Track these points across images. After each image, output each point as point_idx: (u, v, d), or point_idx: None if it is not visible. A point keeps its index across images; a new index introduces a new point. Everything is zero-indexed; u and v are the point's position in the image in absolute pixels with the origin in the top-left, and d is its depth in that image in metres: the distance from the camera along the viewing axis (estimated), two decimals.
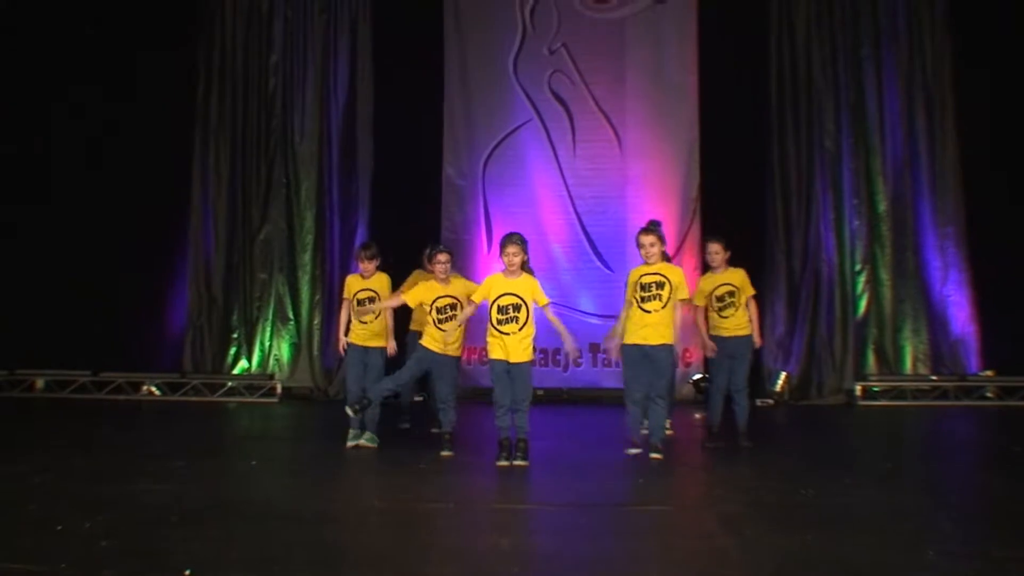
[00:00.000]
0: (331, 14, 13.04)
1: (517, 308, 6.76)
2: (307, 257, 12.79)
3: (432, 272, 7.59)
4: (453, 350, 7.37)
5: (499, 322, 6.79)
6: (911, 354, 11.88)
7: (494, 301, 6.82)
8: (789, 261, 12.06)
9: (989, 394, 11.46)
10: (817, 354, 11.87)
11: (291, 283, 12.80)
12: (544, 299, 6.92)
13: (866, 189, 12.06)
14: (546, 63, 12.77)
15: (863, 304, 11.96)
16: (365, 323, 7.73)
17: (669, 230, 12.13)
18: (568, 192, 12.58)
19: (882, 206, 12.02)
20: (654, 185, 12.42)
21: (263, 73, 13.11)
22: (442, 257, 7.40)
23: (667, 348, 7.08)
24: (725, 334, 7.71)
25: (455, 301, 7.30)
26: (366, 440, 7.58)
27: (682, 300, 7.14)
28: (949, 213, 11.85)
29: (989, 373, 11.55)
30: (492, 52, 12.89)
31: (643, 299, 7.07)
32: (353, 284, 7.86)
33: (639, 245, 7.20)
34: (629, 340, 7.13)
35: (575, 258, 12.45)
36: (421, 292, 7.43)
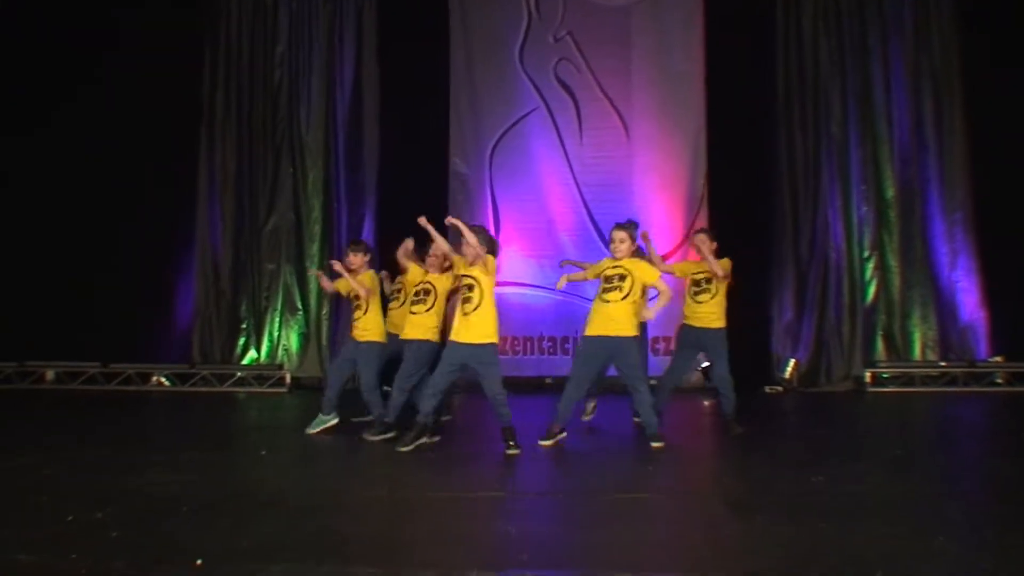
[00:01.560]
0: (336, 4, 13.04)
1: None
2: (315, 247, 12.81)
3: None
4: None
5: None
6: (920, 340, 11.86)
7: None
8: (797, 248, 12.03)
9: (998, 380, 11.44)
10: (826, 341, 11.85)
11: (299, 273, 12.81)
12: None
13: (874, 175, 12.03)
14: (552, 51, 12.74)
15: (872, 291, 11.94)
16: (356, 319, 7.82)
17: (676, 218, 12.18)
18: (575, 180, 12.56)
19: (890, 192, 11.99)
20: (661, 173, 12.39)
21: (269, 64, 13.11)
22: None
23: (630, 340, 7.13)
24: (697, 324, 7.79)
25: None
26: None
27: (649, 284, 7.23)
28: (957, 199, 11.82)
29: (998, 359, 11.53)
30: (498, 41, 12.86)
31: (605, 290, 7.18)
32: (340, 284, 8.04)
33: (610, 239, 7.38)
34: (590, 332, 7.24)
35: (582, 246, 12.40)
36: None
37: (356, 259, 7.89)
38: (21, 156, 12.81)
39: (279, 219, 12.90)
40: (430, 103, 12.74)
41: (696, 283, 7.81)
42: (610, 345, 7.07)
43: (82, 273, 12.45)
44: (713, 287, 7.72)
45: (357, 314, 7.89)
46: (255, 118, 13.07)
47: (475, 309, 6.81)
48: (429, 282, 7.57)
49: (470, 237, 6.90)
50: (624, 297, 7.07)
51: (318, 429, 7.84)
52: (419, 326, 7.47)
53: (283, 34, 13.08)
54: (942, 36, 11.98)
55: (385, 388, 7.92)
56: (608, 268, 7.27)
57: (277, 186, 12.95)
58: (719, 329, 7.70)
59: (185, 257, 13.06)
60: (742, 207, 11.77)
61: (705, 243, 7.84)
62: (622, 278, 7.12)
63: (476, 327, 6.82)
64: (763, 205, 12.12)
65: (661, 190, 12.35)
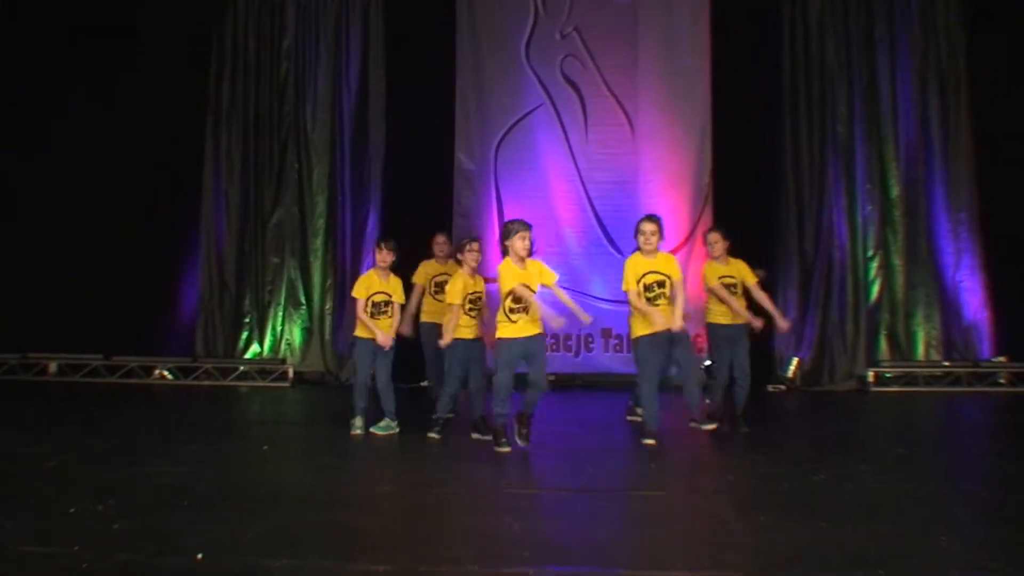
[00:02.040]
0: None
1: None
2: (319, 242, 12.79)
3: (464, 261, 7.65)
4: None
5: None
6: (923, 340, 11.83)
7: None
8: (801, 246, 12.00)
9: (1002, 380, 11.41)
10: (829, 340, 11.82)
11: (303, 268, 12.79)
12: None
13: (879, 174, 11.99)
14: (558, 47, 12.70)
15: (875, 290, 11.91)
16: (377, 320, 7.82)
17: (681, 215, 12.15)
18: (580, 177, 12.53)
19: (895, 191, 11.96)
20: (666, 170, 12.37)
21: (275, 58, 13.07)
22: (475, 246, 7.64)
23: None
24: (723, 320, 7.83)
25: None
26: (381, 428, 7.63)
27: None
28: (962, 198, 11.78)
29: (1002, 359, 11.50)
30: (504, 36, 12.82)
31: (649, 298, 7.15)
32: (373, 283, 7.90)
33: (639, 231, 7.28)
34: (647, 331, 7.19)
35: (586, 243, 12.40)
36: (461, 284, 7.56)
37: (390, 256, 7.89)
38: (25, 150, 12.81)
39: (284, 213, 12.88)
40: (436, 98, 12.71)
41: (724, 288, 7.81)
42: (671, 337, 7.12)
43: (86, 265, 12.45)
44: (739, 289, 7.80)
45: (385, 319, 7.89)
46: (261, 112, 13.04)
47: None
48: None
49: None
50: (671, 302, 7.14)
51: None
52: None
53: (290, 28, 13.04)
54: (949, 34, 11.93)
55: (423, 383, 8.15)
56: (647, 274, 7.19)
57: (282, 180, 12.93)
58: (745, 324, 7.77)
59: (189, 250, 13.04)
60: (747, 204, 11.74)
61: (719, 242, 7.87)
62: (661, 284, 7.15)
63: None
64: (768, 203, 12.10)
65: (666, 187, 12.32)
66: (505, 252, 7.02)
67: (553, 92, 12.63)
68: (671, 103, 12.41)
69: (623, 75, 12.53)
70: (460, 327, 7.41)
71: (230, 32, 13.09)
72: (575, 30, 12.61)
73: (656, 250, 7.21)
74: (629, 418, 8.43)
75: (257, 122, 13.00)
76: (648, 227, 7.21)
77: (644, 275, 7.16)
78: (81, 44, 12.74)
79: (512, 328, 6.86)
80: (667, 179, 12.34)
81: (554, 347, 11.98)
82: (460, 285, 7.43)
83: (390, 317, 7.85)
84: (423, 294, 8.65)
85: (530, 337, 6.95)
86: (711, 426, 7.34)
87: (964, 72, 11.84)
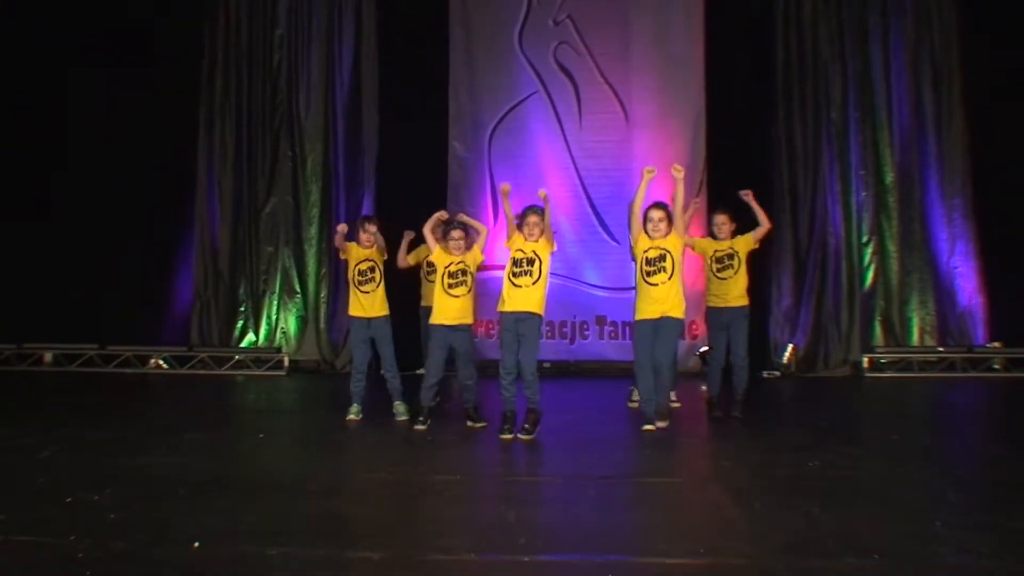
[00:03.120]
0: None
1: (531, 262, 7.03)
2: (313, 230, 12.79)
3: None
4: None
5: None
6: (918, 326, 11.87)
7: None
8: (796, 233, 12.02)
9: (996, 366, 11.46)
10: (824, 326, 11.85)
11: (297, 257, 12.80)
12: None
13: (873, 161, 12.01)
14: (551, 35, 12.70)
15: (870, 276, 11.93)
16: (366, 292, 7.80)
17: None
18: (574, 164, 12.54)
19: (889, 177, 11.98)
20: (660, 157, 12.28)
21: (268, 47, 13.06)
22: (455, 234, 7.48)
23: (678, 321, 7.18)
24: (721, 304, 7.77)
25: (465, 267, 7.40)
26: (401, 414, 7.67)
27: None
28: (956, 184, 11.81)
29: (996, 345, 11.55)
30: (497, 24, 12.81)
31: (648, 273, 7.10)
32: (352, 251, 7.98)
33: (647, 219, 7.20)
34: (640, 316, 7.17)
35: (581, 230, 12.42)
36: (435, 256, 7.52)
37: (373, 239, 7.94)
38: (18, 141, 12.77)
39: (278, 202, 12.88)
40: (429, 86, 12.70)
41: (719, 260, 7.80)
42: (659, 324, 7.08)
43: (81, 255, 12.45)
44: (736, 262, 7.73)
45: (371, 287, 7.89)
46: (254, 101, 13.03)
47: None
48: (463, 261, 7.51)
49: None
50: (670, 278, 7.06)
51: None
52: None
53: (282, 17, 13.02)
54: (942, 19, 11.95)
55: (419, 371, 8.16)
56: (649, 249, 7.16)
57: (276, 169, 12.92)
58: (743, 307, 7.71)
59: (184, 240, 13.05)
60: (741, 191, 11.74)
61: (726, 224, 7.89)
62: (662, 259, 7.08)
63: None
64: (762, 189, 12.04)
65: (661, 174, 12.25)
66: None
67: (547, 79, 12.65)
68: (665, 91, 12.43)
69: (617, 62, 12.56)
70: (437, 312, 7.38)
71: (223, 20, 13.10)
72: (568, 17, 12.62)
73: (664, 237, 7.16)
74: (630, 404, 8.45)
75: (250, 112, 13.01)
76: (656, 214, 7.16)
77: (647, 250, 7.14)
78: (74, 36, 12.73)
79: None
80: (661, 166, 12.28)
81: (549, 335, 12.00)
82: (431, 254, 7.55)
83: (377, 285, 7.87)
84: (408, 250, 8.54)
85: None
86: (656, 425, 7.10)
87: (957, 60, 11.88)
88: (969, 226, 11.73)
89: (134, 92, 12.57)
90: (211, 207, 12.98)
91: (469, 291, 7.38)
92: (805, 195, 12.03)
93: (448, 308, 7.31)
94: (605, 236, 12.33)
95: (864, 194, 11.98)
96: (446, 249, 7.44)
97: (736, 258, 7.75)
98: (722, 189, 11.80)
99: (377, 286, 7.89)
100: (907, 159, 11.95)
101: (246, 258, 12.90)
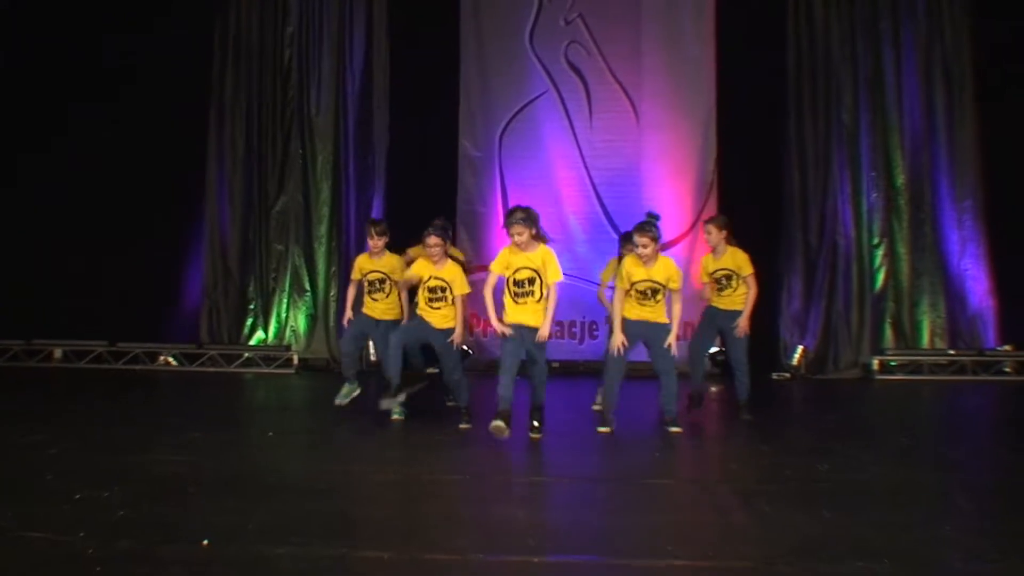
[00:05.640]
0: None
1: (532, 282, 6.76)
2: (323, 229, 12.78)
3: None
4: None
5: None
6: (928, 328, 11.82)
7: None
8: (806, 235, 11.98)
9: (1007, 369, 11.42)
10: (834, 328, 11.82)
11: (307, 255, 12.79)
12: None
13: (884, 162, 11.96)
14: (562, 34, 12.68)
15: (880, 278, 11.89)
16: (376, 299, 7.79)
17: (685, 203, 12.15)
18: (584, 164, 12.53)
19: (900, 179, 11.93)
20: (671, 157, 12.36)
21: (279, 45, 13.04)
22: (431, 241, 7.29)
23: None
24: (720, 307, 7.84)
25: (443, 284, 7.33)
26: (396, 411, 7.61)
27: (675, 290, 7.06)
28: (967, 187, 11.75)
29: (1007, 348, 11.50)
30: (508, 23, 12.79)
31: (640, 300, 7.10)
32: (364, 264, 7.91)
33: (633, 243, 7.05)
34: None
35: (590, 229, 12.41)
36: (418, 268, 7.45)
37: (380, 242, 7.83)
38: (29, 139, 12.81)
39: (288, 200, 12.88)
40: (440, 85, 12.70)
41: (717, 281, 7.80)
42: (646, 329, 7.09)
43: (90, 252, 12.45)
44: (734, 283, 7.72)
45: (380, 296, 7.85)
46: (264, 99, 13.02)
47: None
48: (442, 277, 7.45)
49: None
50: (657, 303, 7.08)
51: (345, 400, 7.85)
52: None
53: (293, 14, 13.00)
54: (954, 22, 11.89)
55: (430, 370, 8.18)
56: (639, 278, 7.06)
57: (286, 167, 12.92)
58: (740, 310, 7.71)
59: (193, 237, 13.05)
60: (751, 193, 11.75)
61: (713, 233, 7.80)
62: (655, 292, 7.06)
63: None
64: (773, 191, 12.07)
65: (671, 175, 12.32)
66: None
67: (557, 79, 12.64)
68: (676, 91, 12.41)
69: (628, 62, 12.54)
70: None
71: (233, 18, 13.07)
72: (579, 17, 12.61)
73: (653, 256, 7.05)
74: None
75: (261, 109, 12.99)
76: (640, 239, 6.99)
77: (636, 282, 7.09)
78: (81, 31, 12.72)
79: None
80: (671, 167, 12.35)
81: (559, 335, 11.97)
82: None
83: (387, 296, 7.82)
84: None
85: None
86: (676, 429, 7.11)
87: (969, 62, 11.81)
88: (980, 228, 11.68)
89: (144, 89, 12.58)
90: (221, 204, 12.98)
91: (451, 304, 7.34)
92: (816, 197, 11.99)
93: (430, 317, 7.33)
94: (615, 236, 12.27)
95: (875, 196, 11.93)
96: (427, 258, 7.38)
97: (735, 277, 7.75)
98: (732, 190, 11.86)
99: (387, 296, 7.84)
100: (918, 161, 11.91)
101: (256, 256, 12.89)
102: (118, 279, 12.35)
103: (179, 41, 12.69)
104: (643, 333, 7.12)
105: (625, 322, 7.13)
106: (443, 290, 7.29)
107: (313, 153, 12.83)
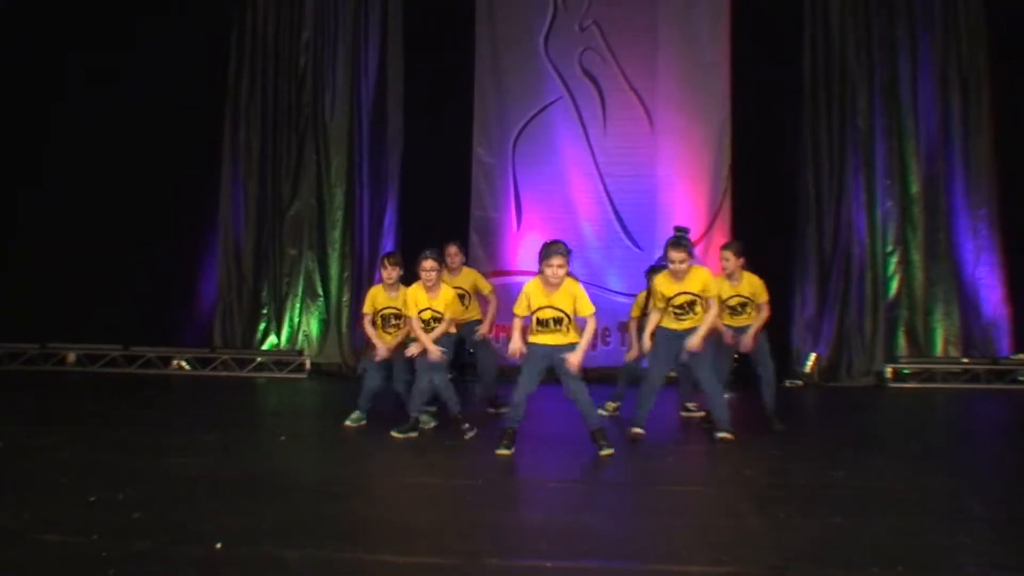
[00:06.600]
0: None
1: (559, 321, 6.58)
2: (337, 234, 12.79)
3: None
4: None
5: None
6: (942, 336, 11.77)
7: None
8: (820, 242, 11.95)
9: (1021, 377, 11.35)
10: (847, 335, 11.77)
11: (320, 260, 12.79)
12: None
13: (899, 170, 11.92)
14: (577, 40, 12.69)
15: (894, 286, 11.85)
16: (390, 334, 7.70)
17: (700, 209, 12.13)
18: (598, 170, 12.52)
19: (915, 187, 11.89)
20: (685, 164, 12.35)
21: (294, 50, 13.07)
22: (427, 264, 7.21)
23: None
24: (735, 324, 7.73)
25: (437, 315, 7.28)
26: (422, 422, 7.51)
27: (711, 298, 7.04)
28: (982, 195, 11.71)
29: (1021, 356, 11.44)
30: (523, 29, 12.80)
31: (678, 315, 7.07)
32: (377, 298, 7.76)
33: (669, 259, 6.99)
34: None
35: (604, 236, 12.40)
36: (412, 305, 7.31)
37: (394, 272, 7.69)
38: (46, 141, 12.88)
39: (302, 205, 12.89)
40: (454, 91, 12.72)
41: (731, 308, 7.69)
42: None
43: (105, 256, 12.48)
44: (749, 309, 7.68)
45: (394, 331, 7.70)
46: (280, 104, 13.05)
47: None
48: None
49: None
50: (695, 315, 7.04)
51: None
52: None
53: (309, 20, 13.03)
54: (970, 30, 11.85)
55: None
56: (674, 292, 7.03)
57: (300, 172, 12.93)
58: (745, 327, 7.68)
59: (207, 242, 13.08)
60: (765, 199, 11.73)
61: (731, 260, 7.66)
62: (692, 305, 7.03)
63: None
64: (787, 198, 12.04)
65: (685, 182, 12.30)
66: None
67: (572, 85, 12.64)
68: (690, 98, 12.39)
69: (642, 69, 12.54)
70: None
71: (249, 23, 13.10)
72: (594, 23, 12.61)
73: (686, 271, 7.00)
74: (683, 414, 8.57)
75: (276, 114, 13.02)
76: (676, 255, 6.95)
77: (673, 296, 7.05)
78: (99, 33, 12.76)
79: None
80: (685, 174, 12.33)
81: None
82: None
83: (400, 330, 7.65)
84: None
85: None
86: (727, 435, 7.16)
87: (986, 70, 11.77)
88: (995, 237, 11.63)
89: (159, 93, 12.63)
90: (235, 209, 13.00)
91: (442, 322, 7.26)
92: (830, 204, 11.96)
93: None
94: (628, 243, 12.31)
95: (889, 203, 11.89)
96: (421, 287, 7.26)
97: (750, 305, 7.69)
98: (746, 197, 11.84)
99: (400, 330, 7.68)
100: (933, 168, 11.87)
101: (269, 260, 12.91)
102: (132, 283, 12.37)
103: (196, 44, 12.74)
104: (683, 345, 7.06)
105: (663, 332, 7.14)
106: (437, 320, 7.24)
107: (327, 158, 12.85)
